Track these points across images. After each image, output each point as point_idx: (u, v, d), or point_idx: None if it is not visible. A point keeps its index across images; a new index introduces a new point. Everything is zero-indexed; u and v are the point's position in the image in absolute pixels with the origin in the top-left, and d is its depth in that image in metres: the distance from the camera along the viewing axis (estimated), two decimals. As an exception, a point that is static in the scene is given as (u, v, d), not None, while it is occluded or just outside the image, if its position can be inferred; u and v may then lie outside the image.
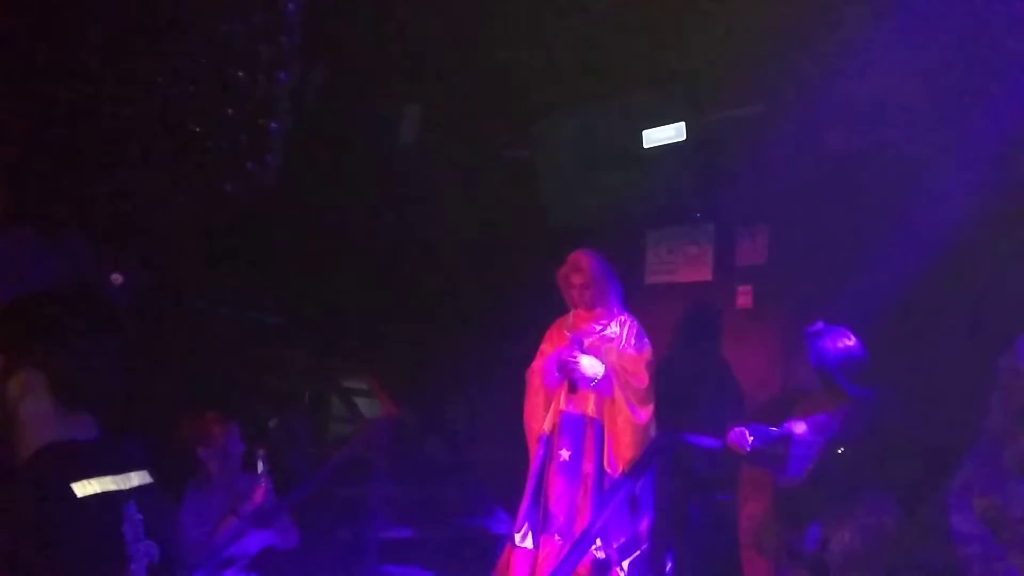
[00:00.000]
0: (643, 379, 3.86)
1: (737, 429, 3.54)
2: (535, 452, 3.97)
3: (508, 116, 5.16)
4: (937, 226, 3.72)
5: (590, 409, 3.89)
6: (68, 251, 4.50)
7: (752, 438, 3.40)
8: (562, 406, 3.93)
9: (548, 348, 4.07)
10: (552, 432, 3.94)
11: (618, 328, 3.98)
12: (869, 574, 3.09)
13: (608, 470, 3.83)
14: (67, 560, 1.49)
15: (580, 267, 3.99)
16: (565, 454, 3.87)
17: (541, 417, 3.99)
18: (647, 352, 3.94)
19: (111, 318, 1.68)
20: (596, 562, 3.70)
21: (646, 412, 3.85)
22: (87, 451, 1.60)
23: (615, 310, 4.04)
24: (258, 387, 5.23)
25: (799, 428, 3.40)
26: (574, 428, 3.89)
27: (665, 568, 3.78)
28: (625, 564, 3.72)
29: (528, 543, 3.86)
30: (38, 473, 1.54)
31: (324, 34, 4.63)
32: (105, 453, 1.63)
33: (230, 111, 4.12)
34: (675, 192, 4.58)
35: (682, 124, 4.47)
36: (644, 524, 3.85)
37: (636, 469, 3.71)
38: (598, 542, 3.67)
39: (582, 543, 3.42)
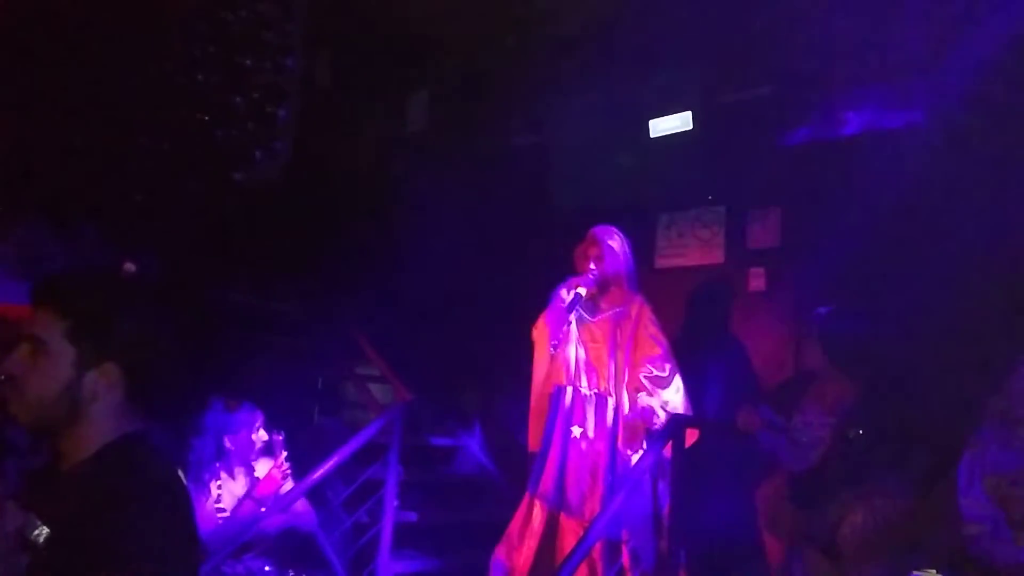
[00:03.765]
0: (663, 369, 3.87)
1: (746, 411, 3.53)
2: (549, 407, 3.95)
3: (516, 102, 5.14)
4: (951, 207, 3.69)
5: (603, 386, 3.89)
6: (80, 242, 4.53)
7: (761, 419, 3.40)
8: (578, 383, 3.92)
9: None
10: (570, 408, 3.93)
11: (628, 311, 3.97)
12: (882, 556, 3.08)
13: (622, 449, 3.84)
14: (195, 542, 1.49)
15: (597, 240, 4.01)
16: (577, 431, 3.87)
17: (546, 367, 3.99)
18: (665, 343, 3.93)
19: (182, 312, 1.64)
20: (607, 542, 3.71)
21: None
22: (151, 442, 1.56)
23: (628, 290, 4.03)
24: (271, 374, 5.26)
25: (810, 412, 3.39)
26: (587, 405, 3.89)
27: (678, 551, 3.79)
28: (637, 545, 3.73)
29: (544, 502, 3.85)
30: (150, 464, 1.50)
31: (330, 20, 4.62)
32: (157, 442, 1.59)
33: (237, 99, 4.12)
34: (685, 175, 4.56)
35: (688, 114, 4.45)
36: (657, 505, 3.85)
37: (648, 451, 3.71)
38: None
39: (597, 526, 3.44)
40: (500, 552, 3.90)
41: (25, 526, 1.45)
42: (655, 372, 3.84)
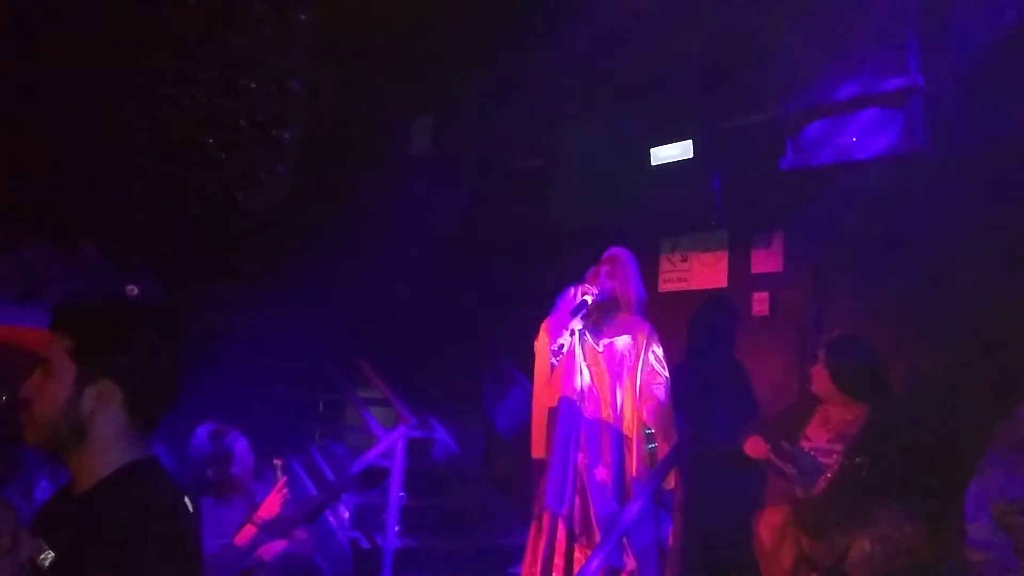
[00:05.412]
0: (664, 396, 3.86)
1: (753, 438, 3.50)
2: (559, 420, 3.89)
3: (520, 126, 5.16)
4: (957, 231, 3.69)
5: (606, 413, 3.86)
6: (84, 264, 4.53)
7: (768, 446, 3.37)
8: (581, 407, 3.89)
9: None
10: (576, 427, 3.89)
11: (634, 338, 3.94)
12: (889, 584, 3.05)
13: (634, 475, 3.80)
14: (200, 570, 1.49)
15: (613, 257, 4.03)
16: (582, 458, 3.84)
17: (548, 377, 3.97)
18: (666, 390, 3.91)
19: (182, 333, 1.64)
20: (609, 571, 3.67)
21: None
22: (158, 469, 1.56)
23: (635, 317, 4.01)
24: (273, 398, 5.24)
25: (816, 438, 3.37)
26: (591, 432, 3.86)
27: (682, 575, 3.76)
28: (639, 568, 3.69)
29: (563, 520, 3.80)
30: (156, 492, 1.50)
31: (335, 44, 4.65)
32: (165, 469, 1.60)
33: (242, 122, 4.14)
34: (688, 199, 4.56)
35: (689, 142, 4.46)
36: (661, 531, 3.82)
37: (653, 477, 3.69)
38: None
39: (600, 554, 3.41)
40: None
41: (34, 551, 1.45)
42: (654, 400, 3.83)
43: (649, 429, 3.86)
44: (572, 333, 3.94)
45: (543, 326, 4.02)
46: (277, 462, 3.77)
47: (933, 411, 3.47)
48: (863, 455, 3.21)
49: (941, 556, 3.08)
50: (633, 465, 3.81)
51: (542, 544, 3.77)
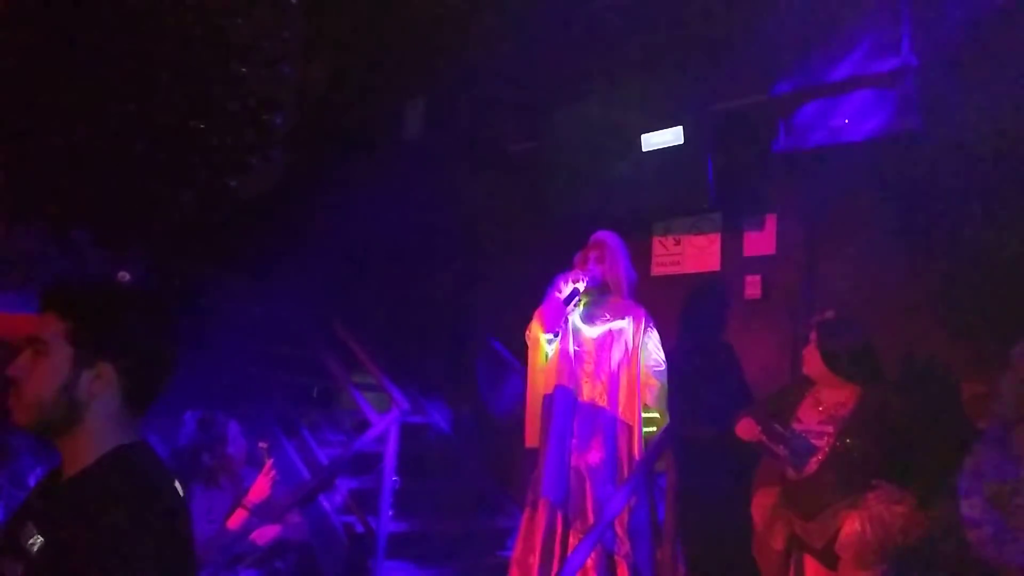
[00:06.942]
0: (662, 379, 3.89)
1: (745, 420, 3.51)
2: (553, 408, 3.88)
3: (512, 111, 5.15)
4: (949, 212, 3.69)
5: (601, 398, 3.86)
6: (75, 249, 4.52)
7: (760, 428, 3.38)
8: (576, 392, 3.90)
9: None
10: (571, 413, 3.89)
11: (629, 324, 3.94)
12: (881, 564, 3.06)
13: (636, 457, 3.81)
14: (190, 553, 1.49)
15: (599, 242, 4.02)
16: (575, 444, 3.84)
17: (541, 366, 3.97)
18: (662, 370, 3.92)
19: (176, 318, 1.63)
20: (602, 554, 3.68)
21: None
22: (148, 452, 1.56)
23: (627, 300, 4.00)
24: (266, 382, 5.24)
25: (807, 420, 3.38)
26: (583, 418, 3.86)
27: (677, 561, 3.77)
28: (634, 556, 3.70)
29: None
30: (147, 475, 1.50)
31: (327, 29, 4.63)
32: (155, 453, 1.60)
33: (234, 107, 4.13)
34: (681, 183, 4.55)
35: (679, 128, 4.45)
36: (655, 513, 3.83)
37: (645, 460, 3.69)
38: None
39: (592, 537, 3.41)
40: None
41: (20, 534, 1.44)
42: (657, 383, 3.84)
43: (650, 412, 3.87)
44: (566, 321, 3.94)
45: (535, 315, 4.01)
46: (263, 445, 3.77)
47: (924, 392, 3.48)
48: (854, 436, 3.22)
49: (934, 536, 3.08)
50: (635, 448, 3.82)
51: (538, 533, 3.77)
